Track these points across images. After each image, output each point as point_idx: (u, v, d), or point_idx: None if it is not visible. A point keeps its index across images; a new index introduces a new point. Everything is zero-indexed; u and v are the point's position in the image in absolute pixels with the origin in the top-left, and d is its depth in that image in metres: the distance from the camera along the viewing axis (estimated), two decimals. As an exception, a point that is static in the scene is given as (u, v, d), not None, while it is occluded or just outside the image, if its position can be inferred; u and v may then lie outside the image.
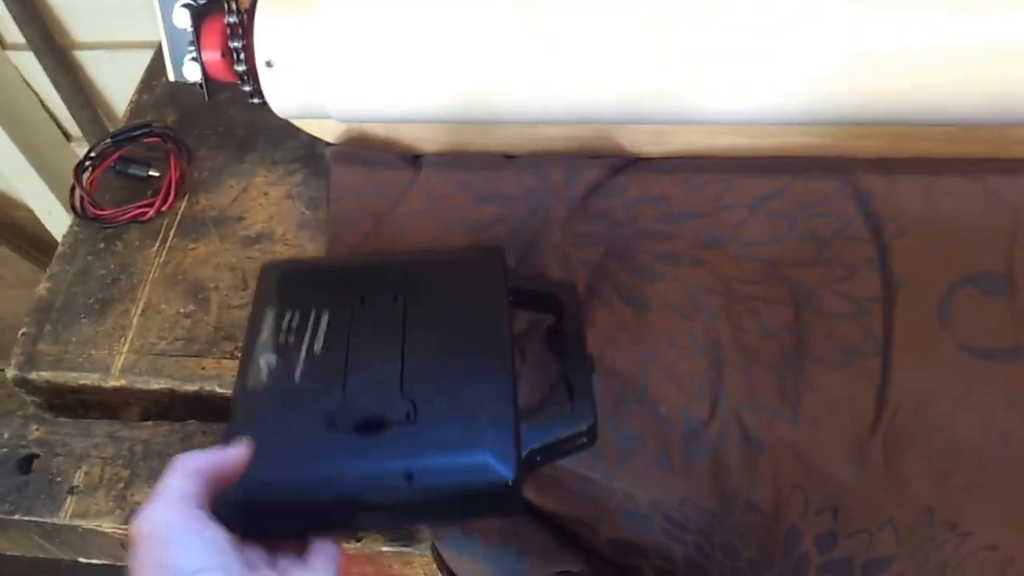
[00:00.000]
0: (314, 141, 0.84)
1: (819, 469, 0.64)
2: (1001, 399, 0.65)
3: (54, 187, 1.44)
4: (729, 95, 0.67)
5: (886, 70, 0.65)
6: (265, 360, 0.61)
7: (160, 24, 0.70)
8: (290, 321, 0.63)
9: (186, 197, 0.85)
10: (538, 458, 0.59)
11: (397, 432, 0.56)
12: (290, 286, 0.67)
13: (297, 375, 0.60)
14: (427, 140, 0.81)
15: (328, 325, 0.62)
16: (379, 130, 0.80)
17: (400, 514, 0.59)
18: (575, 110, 0.69)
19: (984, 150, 0.75)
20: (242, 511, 0.52)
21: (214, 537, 0.48)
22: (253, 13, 0.67)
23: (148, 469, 0.71)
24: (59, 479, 0.71)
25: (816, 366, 0.67)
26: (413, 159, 0.81)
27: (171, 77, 0.72)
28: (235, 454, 0.53)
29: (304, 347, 0.61)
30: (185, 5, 0.68)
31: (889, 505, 0.63)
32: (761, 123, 0.72)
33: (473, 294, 0.65)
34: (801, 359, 0.67)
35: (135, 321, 0.77)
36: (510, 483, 0.55)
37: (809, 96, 0.67)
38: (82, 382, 0.75)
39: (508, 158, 0.80)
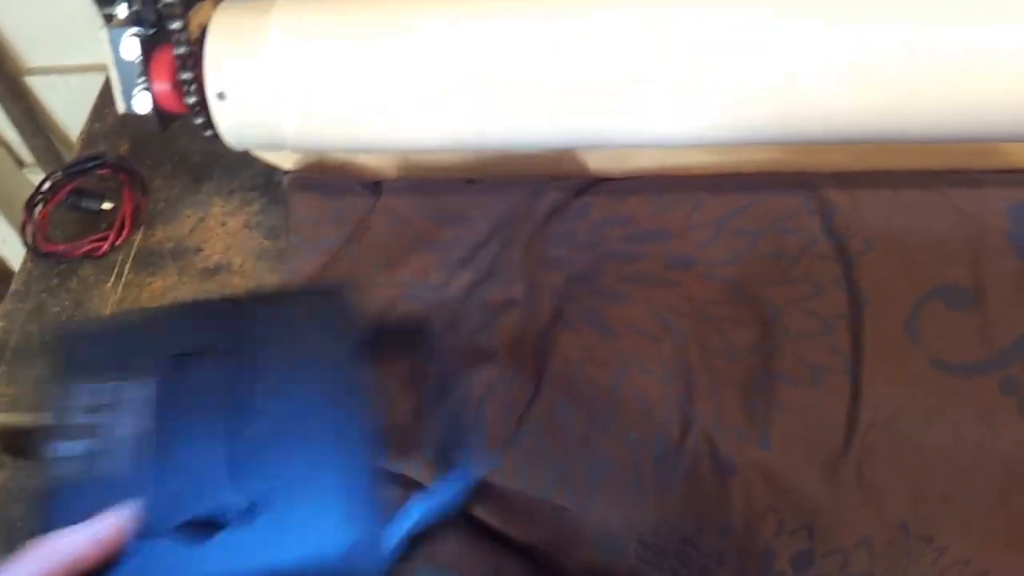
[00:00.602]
0: (272, 169, 0.84)
1: (792, 489, 0.64)
2: (972, 413, 0.65)
3: (8, 215, 1.42)
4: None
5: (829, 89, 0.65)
6: (63, 449, 0.50)
7: (108, 56, 0.70)
8: (91, 398, 0.51)
9: (141, 229, 0.84)
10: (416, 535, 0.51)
11: (232, 534, 0.47)
12: (90, 353, 0.54)
13: (102, 468, 0.49)
14: (387, 165, 0.81)
15: (137, 398, 0.51)
16: (338, 155, 0.80)
17: None
18: (522, 139, 0.70)
19: (946, 162, 0.75)
20: None
21: None
22: (203, 43, 0.67)
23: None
24: (20, 525, 0.70)
25: (785, 386, 0.67)
26: (373, 185, 0.80)
27: (120, 109, 0.71)
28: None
29: (109, 430, 0.50)
30: (134, 35, 0.68)
31: (864, 522, 0.63)
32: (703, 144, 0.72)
33: (316, 345, 0.54)
34: (770, 379, 0.68)
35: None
36: None
37: (740, 118, 0.67)
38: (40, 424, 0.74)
39: (469, 182, 0.80)
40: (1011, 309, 0.69)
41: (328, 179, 0.80)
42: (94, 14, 0.71)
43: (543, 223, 0.77)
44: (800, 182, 0.76)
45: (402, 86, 0.66)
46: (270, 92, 0.66)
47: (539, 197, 0.78)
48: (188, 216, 0.84)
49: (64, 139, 1.37)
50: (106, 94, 0.95)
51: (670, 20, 0.65)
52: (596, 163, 0.79)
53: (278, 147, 0.71)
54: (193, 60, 0.66)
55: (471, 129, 0.68)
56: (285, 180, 0.81)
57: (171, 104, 0.69)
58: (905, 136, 0.68)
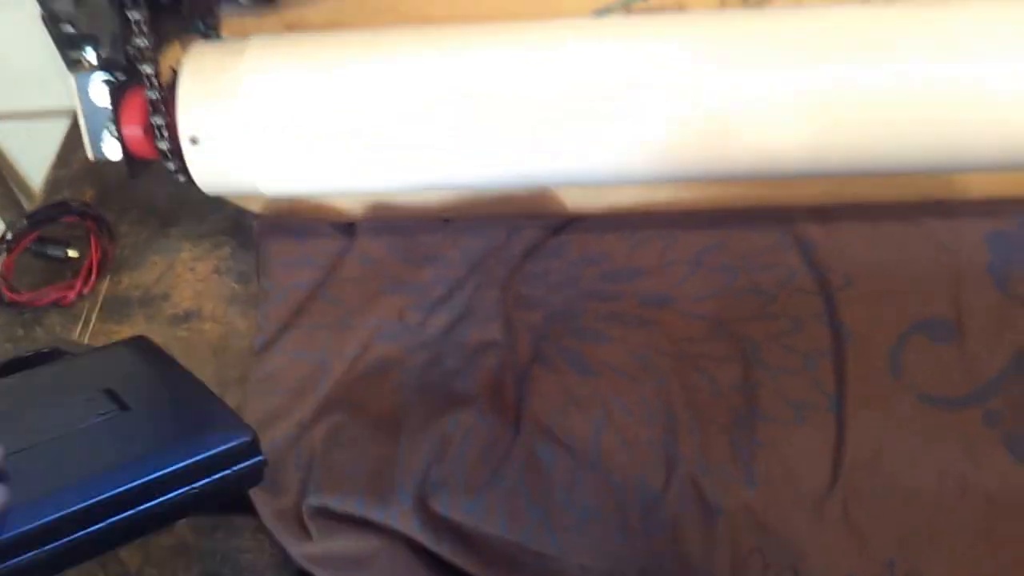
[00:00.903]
0: (241, 211, 0.83)
1: (777, 530, 0.64)
2: (957, 448, 0.65)
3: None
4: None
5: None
6: None
7: (76, 101, 0.69)
8: None
9: (108, 277, 0.82)
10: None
11: None
12: None
13: None
14: (359, 205, 0.80)
15: None
16: (309, 198, 0.80)
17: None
18: (497, 178, 0.70)
19: (922, 192, 0.76)
20: None
21: None
22: (175, 88, 0.66)
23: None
24: None
25: (769, 424, 0.67)
26: (346, 227, 0.80)
27: (90, 156, 0.70)
28: None
29: None
30: (103, 80, 0.68)
31: (850, 561, 0.63)
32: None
33: None
34: (753, 418, 0.67)
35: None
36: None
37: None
38: None
39: (444, 221, 0.80)
40: (992, 341, 0.69)
41: (299, 222, 0.80)
42: (53, 57, 0.70)
43: (519, 262, 0.77)
44: (776, 217, 0.76)
45: (380, 129, 0.66)
46: (245, 137, 0.66)
47: (515, 236, 0.77)
48: (156, 262, 0.83)
49: (23, 185, 1.35)
50: (71, 139, 0.94)
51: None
52: (572, 201, 0.79)
53: (253, 192, 0.71)
54: (165, 104, 0.66)
55: (446, 170, 0.68)
56: (255, 224, 0.81)
57: (142, 150, 0.68)
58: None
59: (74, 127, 0.94)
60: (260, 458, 0.53)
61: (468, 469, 0.67)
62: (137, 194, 0.87)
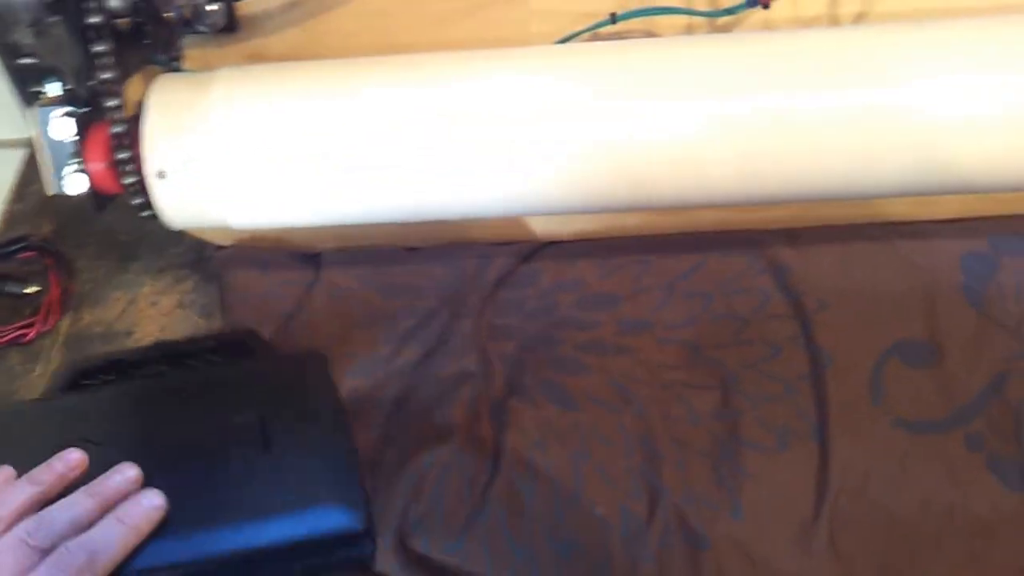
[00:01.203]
0: (202, 244, 0.82)
1: (764, 560, 0.64)
2: (941, 473, 0.66)
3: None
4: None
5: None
6: None
7: (36, 135, 0.68)
8: None
9: (69, 314, 0.81)
10: None
11: None
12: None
13: None
14: (323, 235, 0.79)
15: None
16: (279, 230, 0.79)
17: None
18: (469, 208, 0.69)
19: (893, 212, 0.76)
20: None
21: None
22: (140, 122, 0.65)
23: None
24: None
25: (751, 452, 0.67)
26: (311, 257, 0.79)
27: (49, 191, 0.69)
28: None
29: None
30: (65, 113, 0.66)
31: (836, 589, 0.64)
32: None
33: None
34: (736, 446, 0.67)
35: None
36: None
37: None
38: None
39: (411, 250, 0.79)
40: (970, 362, 0.70)
41: (263, 253, 0.79)
42: (2, 90, 0.68)
43: (492, 291, 0.76)
44: (748, 240, 0.77)
45: (352, 160, 0.65)
46: (213, 171, 0.64)
47: (486, 264, 0.77)
48: (117, 298, 0.82)
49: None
50: (27, 173, 0.92)
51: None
52: (540, 226, 0.79)
53: (221, 227, 0.69)
54: (130, 138, 0.65)
55: (421, 200, 0.67)
56: (218, 256, 0.79)
57: (107, 185, 0.67)
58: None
59: (31, 161, 0.92)
60: (368, 551, 0.56)
61: (447, 508, 0.66)
62: (95, 229, 0.85)
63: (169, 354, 0.73)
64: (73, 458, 0.55)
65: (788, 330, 0.72)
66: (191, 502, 0.54)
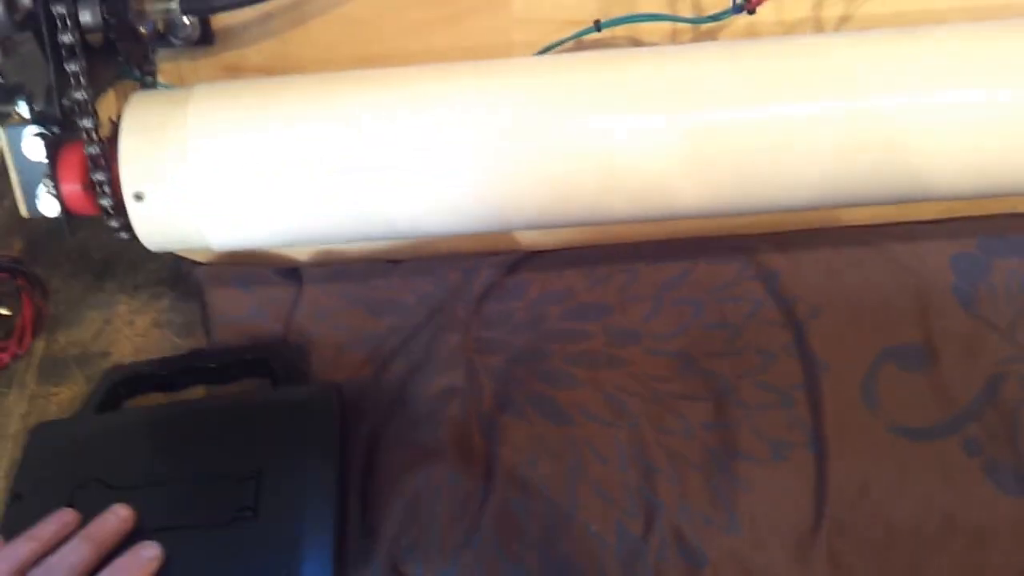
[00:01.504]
0: (178, 260, 0.80)
1: (764, 574, 0.63)
2: (939, 479, 0.65)
3: None
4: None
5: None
6: None
7: (7, 156, 0.66)
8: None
9: (43, 336, 0.79)
10: None
11: None
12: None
13: None
14: (304, 249, 0.78)
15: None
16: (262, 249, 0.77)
17: None
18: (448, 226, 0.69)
19: (880, 214, 0.76)
20: None
21: None
22: (116, 142, 0.63)
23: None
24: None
25: (747, 464, 0.66)
26: (292, 272, 0.77)
27: (24, 213, 0.67)
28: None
29: None
30: (37, 134, 0.64)
31: (835, 600, 0.63)
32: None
33: None
34: (731, 458, 0.67)
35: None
36: None
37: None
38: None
39: (392, 262, 0.78)
40: (964, 365, 0.70)
41: (244, 270, 0.77)
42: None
43: (478, 304, 0.75)
44: (736, 246, 0.76)
45: (335, 175, 0.63)
46: (193, 191, 0.63)
47: (472, 277, 0.76)
48: (92, 318, 0.80)
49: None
50: (-6, 192, 0.90)
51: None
52: (525, 235, 0.78)
53: (202, 247, 0.68)
54: (106, 159, 0.63)
55: (401, 217, 0.66)
56: (199, 274, 0.78)
57: (82, 207, 0.65)
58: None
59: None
60: None
61: (441, 532, 0.65)
62: (68, 247, 0.83)
63: (201, 368, 0.74)
64: (68, 519, 0.57)
65: (781, 338, 0.72)
66: (180, 566, 0.58)
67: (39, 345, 0.79)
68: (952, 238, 0.75)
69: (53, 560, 0.53)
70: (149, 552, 0.56)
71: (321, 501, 0.62)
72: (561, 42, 0.70)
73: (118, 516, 0.57)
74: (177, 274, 0.81)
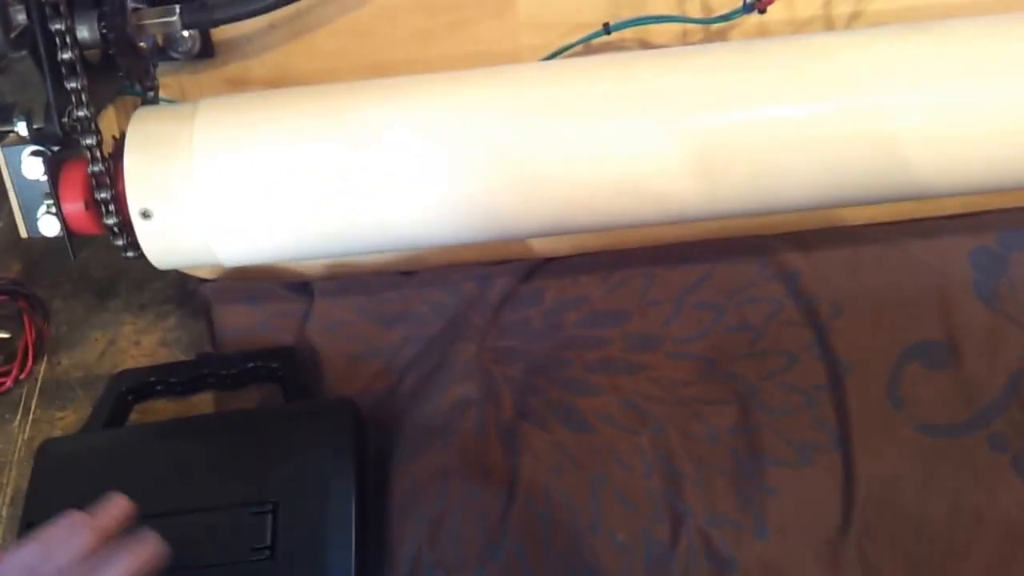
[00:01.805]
0: (184, 277, 0.79)
1: (794, 578, 0.63)
2: (967, 476, 0.65)
3: None
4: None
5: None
6: None
7: (5, 175, 0.64)
8: None
9: (45, 359, 0.78)
10: None
11: None
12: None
13: None
14: (314, 263, 0.76)
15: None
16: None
17: None
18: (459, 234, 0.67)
19: (899, 210, 0.75)
20: None
21: None
22: (120, 159, 0.61)
23: None
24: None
25: (775, 468, 0.66)
26: (301, 286, 0.76)
27: (23, 234, 0.65)
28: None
29: None
30: (36, 152, 0.62)
31: (867, 602, 0.63)
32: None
33: None
34: (758, 462, 0.66)
35: (4, 514, 0.70)
36: None
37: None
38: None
39: (406, 274, 0.77)
40: (988, 361, 0.69)
41: (252, 285, 0.76)
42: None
43: (495, 313, 0.74)
44: (755, 247, 0.75)
45: (343, 189, 0.62)
46: (201, 207, 0.62)
47: (487, 286, 0.75)
48: (96, 339, 0.79)
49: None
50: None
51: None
52: (538, 241, 0.77)
53: (211, 264, 0.66)
54: (110, 177, 0.61)
55: (412, 227, 0.65)
56: (206, 291, 0.76)
57: (85, 226, 0.64)
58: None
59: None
60: None
61: (463, 546, 0.64)
62: (69, 266, 0.82)
63: (211, 375, 0.73)
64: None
65: (803, 338, 0.71)
66: None
67: (41, 368, 0.77)
68: (971, 233, 0.74)
69: (55, 543, 0.52)
70: (149, 540, 0.54)
71: (341, 538, 0.60)
72: (570, 46, 0.70)
73: (120, 507, 0.56)
74: (183, 292, 0.80)
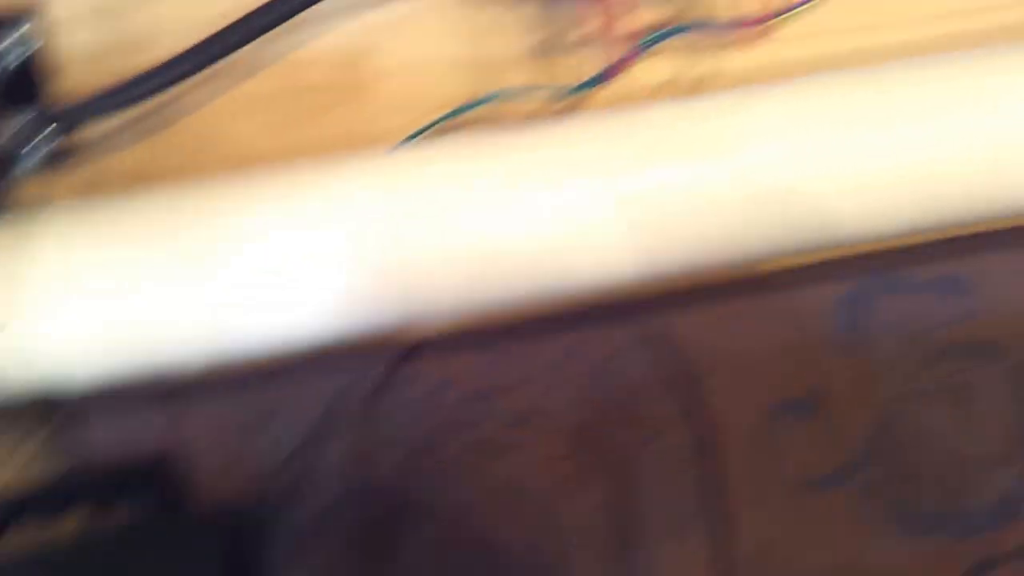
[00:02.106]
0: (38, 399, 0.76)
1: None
2: (844, 528, 0.66)
3: None
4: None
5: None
6: None
7: None
8: None
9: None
10: None
11: None
12: None
13: None
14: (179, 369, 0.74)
15: None
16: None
17: None
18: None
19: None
20: None
21: None
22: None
23: None
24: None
25: (653, 544, 0.66)
26: (166, 393, 0.73)
27: None
28: None
29: None
30: None
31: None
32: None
33: None
34: (630, 541, 0.66)
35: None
36: None
37: None
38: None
39: (277, 369, 0.74)
40: (856, 408, 0.71)
41: (112, 400, 0.72)
42: None
43: (370, 400, 0.73)
44: (622, 312, 0.75)
45: (201, 294, 0.61)
46: (48, 325, 0.60)
47: (359, 375, 0.74)
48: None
49: None
50: None
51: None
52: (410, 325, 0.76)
53: (69, 381, 0.64)
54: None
55: (280, 330, 0.64)
56: (67, 410, 0.73)
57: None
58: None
59: None
60: None
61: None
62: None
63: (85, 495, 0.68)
64: None
65: (675, 403, 0.71)
66: None
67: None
68: (833, 280, 0.75)
69: None
70: None
71: None
72: (427, 128, 0.69)
73: None
74: (39, 413, 0.77)
